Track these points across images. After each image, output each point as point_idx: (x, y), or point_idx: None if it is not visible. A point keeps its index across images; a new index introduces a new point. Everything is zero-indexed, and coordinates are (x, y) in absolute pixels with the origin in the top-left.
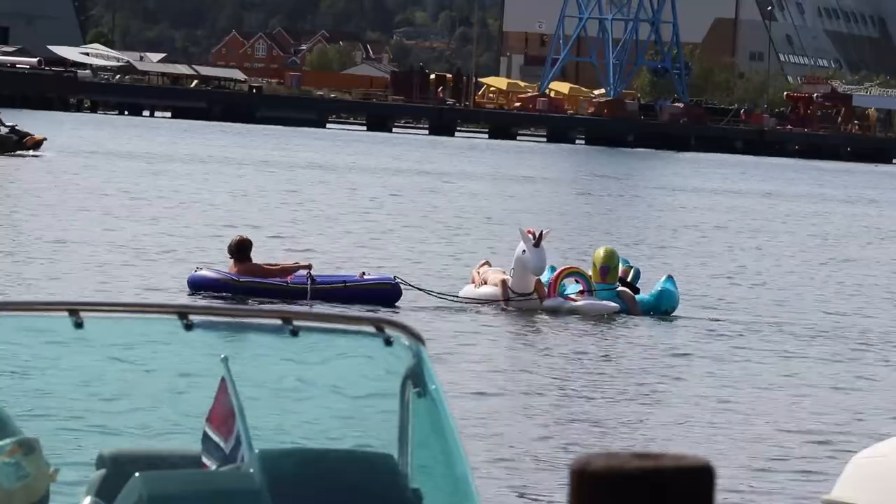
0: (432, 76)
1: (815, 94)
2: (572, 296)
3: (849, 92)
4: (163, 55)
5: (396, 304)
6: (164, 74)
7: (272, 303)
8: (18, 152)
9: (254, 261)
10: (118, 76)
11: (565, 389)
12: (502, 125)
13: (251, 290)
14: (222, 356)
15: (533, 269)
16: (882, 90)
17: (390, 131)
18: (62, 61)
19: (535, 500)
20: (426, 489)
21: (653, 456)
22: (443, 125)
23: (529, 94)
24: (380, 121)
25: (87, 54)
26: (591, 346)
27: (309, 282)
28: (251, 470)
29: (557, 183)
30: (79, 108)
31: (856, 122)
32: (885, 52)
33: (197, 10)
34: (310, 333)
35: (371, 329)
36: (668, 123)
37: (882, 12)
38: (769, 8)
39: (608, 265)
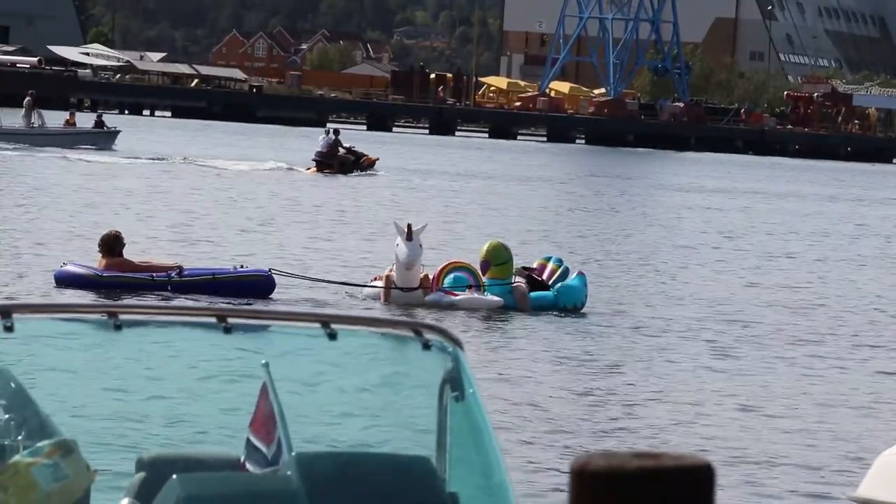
0: (432, 76)
1: (816, 94)
2: (453, 290)
3: (849, 92)
4: (163, 55)
5: (270, 296)
6: (164, 74)
7: (139, 296)
8: (359, 172)
9: (125, 256)
10: (118, 76)
11: (565, 389)
12: (502, 125)
13: (116, 284)
14: (263, 362)
15: (404, 262)
16: (882, 90)
17: (390, 131)
18: (62, 61)
19: (536, 499)
20: (463, 493)
21: (653, 455)
22: (443, 125)
23: (529, 94)
24: (380, 120)
25: (87, 54)
26: (590, 345)
27: (175, 274)
28: (288, 472)
29: (557, 182)
30: (79, 108)
31: (856, 121)
32: (886, 52)
33: (197, 10)
34: (348, 336)
35: (409, 333)
36: (668, 123)
37: (882, 12)
38: (769, 7)
39: (489, 260)
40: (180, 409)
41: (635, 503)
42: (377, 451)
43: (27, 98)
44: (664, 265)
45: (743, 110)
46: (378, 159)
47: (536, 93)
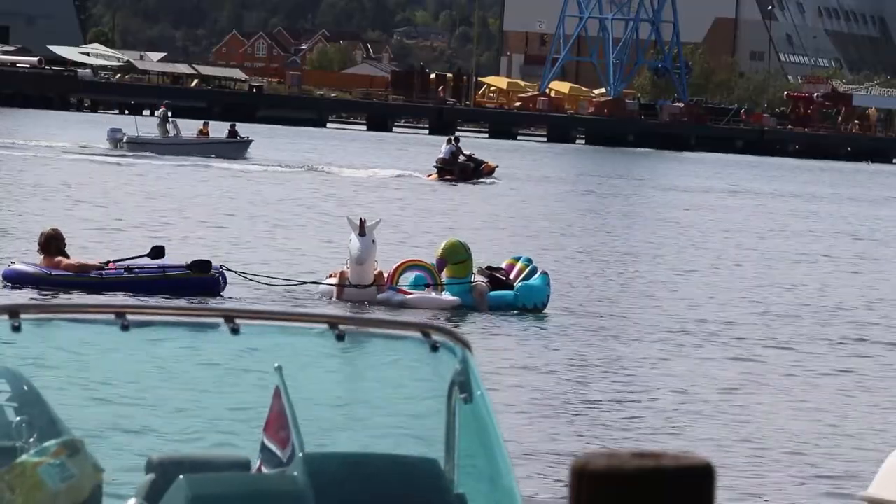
0: (433, 76)
1: (816, 94)
2: (405, 288)
3: (849, 91)
4: (163, 54)
5: (221, 293)
6: (164, 74)
7: (86, 294)
8: (478, 179)
9: (69, 255)
10: (118, 75)
11: (565, 389)
12: (503, 124)
13: (64, 283)
14: (277, 365)
15: (355, 258)
16: (882, 90)
17: (391, 131)
18: (62, 61)
19: (535, 499)
20: (471, 495)
21: (653, 455)
22: (443, 125)
23: (530, 94)
24: (380, 120)
25: (87, 54)
26: (588, 345)
27: (125, 272)
28: (295, 473)
29: (557, 182)
30: (79, 108)
31: (856, 121)
32: (886, 52)
33: (197, 10)
34: (356, 338)
35: (417, 334)
36: (668, 123)
37: (882, 12)
38: (769, 7)
39: (444, 258)
40: (188, 409)
41: (635, 503)
42: (385, 452)
43: (161, 108)
44: (658, 265)
45: (743, 110)
46: (497, 166)
47: (536, 93)
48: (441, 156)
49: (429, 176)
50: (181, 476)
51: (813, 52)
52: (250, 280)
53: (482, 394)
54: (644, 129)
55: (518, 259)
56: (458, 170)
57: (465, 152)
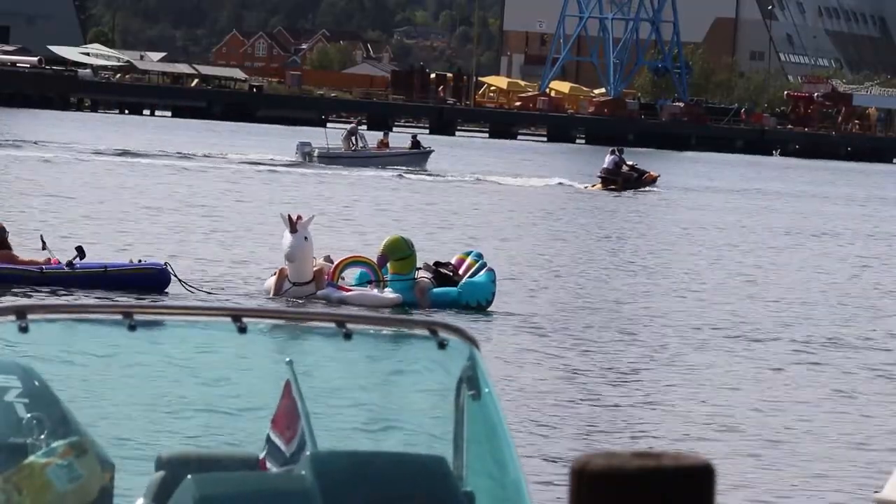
0: (433, 75)
1: (816, 94)
2: (349, 285)
3: (849, 91)
4: (163, 54)
5: (165, 290)
6: (164, 74)
7: (29, 289)
8: (641, 189)
9: (13, 250)
10: (118, 76)
11: (564, 389)
12: (503, 124)
13: (4, 277)
14: (288, 359)
15: (286, 255)
16: (882, 90)
17: (391, 130)
18: (62, 61)
19: (535, 499)
20: (479, 492)
21: (653, 455)
22: (443, 124)
23: (530, 94)
24: (380, 120)
25: (87, 54)
26: (587, 346)
27: (66, 267)
28: (303, 472)
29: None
30: (79, 108)
31: (856, 121)
32: (886, 52)
33: (197, 10)
34: (363, 336)
35: (425, 332)
36: (668, 123)
37: (882, 12)
38: (770, 7)
39: (386, 254)
40: (196, 408)
41: (635, 503)
42: (393, 450)
43: (352, 125)
44: (653, 267)
45: (743, 110)
46: (659, 176)
47: (536, 93)
48: (605, 166)
49: (593, 186)
50: (189, 476)
51: (813, 52)
52: (189, 289)
53: (490, 391)
54: (644, 129)
55: (468, 254)
56: (621, 179)
57: (628, 163)
